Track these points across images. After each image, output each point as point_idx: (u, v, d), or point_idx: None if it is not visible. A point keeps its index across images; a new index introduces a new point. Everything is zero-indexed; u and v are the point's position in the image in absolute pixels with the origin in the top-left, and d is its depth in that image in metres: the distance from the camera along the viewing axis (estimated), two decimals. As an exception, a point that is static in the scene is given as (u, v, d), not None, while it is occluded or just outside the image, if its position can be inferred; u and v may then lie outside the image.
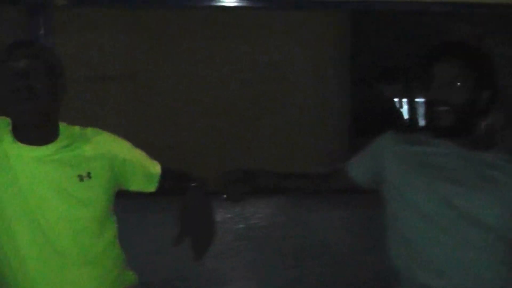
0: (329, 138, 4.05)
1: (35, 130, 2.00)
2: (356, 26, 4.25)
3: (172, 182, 2.23)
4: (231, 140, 3.94)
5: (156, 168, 2.21)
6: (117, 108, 3.91)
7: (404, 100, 5.70)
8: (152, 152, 2.24)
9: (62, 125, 2.07)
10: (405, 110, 5.70)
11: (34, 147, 2.00)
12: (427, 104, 2.07)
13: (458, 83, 2.02)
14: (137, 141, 2.21)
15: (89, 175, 2.03)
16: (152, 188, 2.21)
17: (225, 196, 2.25)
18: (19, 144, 1.99)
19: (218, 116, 3.98)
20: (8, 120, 2.03)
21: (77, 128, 2.11)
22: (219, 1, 3.14)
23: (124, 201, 2.15)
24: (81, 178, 2.01)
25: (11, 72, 1.94)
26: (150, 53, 3.94)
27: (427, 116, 2.09)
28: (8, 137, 1.99)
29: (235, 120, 4.00)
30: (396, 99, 5.66)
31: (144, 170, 2.19)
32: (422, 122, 3.92)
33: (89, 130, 2.12)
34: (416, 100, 5.57)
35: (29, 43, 2.07)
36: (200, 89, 3.97)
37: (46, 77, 1.96)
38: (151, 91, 3.95)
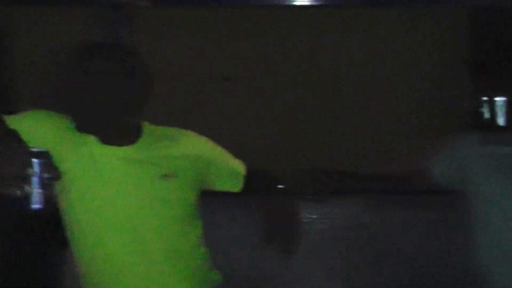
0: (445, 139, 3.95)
1: (113, 131, 2.01)
2: (476, 23, 4.14)
3: (257, 182, 2.21)
4: (334, 140, 3.90)
5: (240, 168, 2.21)
6: (222, 108, 3.96)
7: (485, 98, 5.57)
8: (248, 152, 2.25)
9: (146, 125, 2.08)
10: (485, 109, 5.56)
11: (117, 147, 2.01)
12: None
13: None
14: (238, 141, 2.22)
15: (174, 174, 2.03)
16: (237, 188, 2.20)
17: (310, 196, 2.26)
18: (103, 145, 2.01)
19: (320, 116, 3.95)
20: None
21: (161, 128, 2.11)
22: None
23: (209, 200, 2.17)
24: (165, 177, 2.02)
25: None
26: (246, 54, 3.97)
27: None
28: (92, 139, 2.01)
29: (338, 120, 3.96)
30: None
31: (229, 170, 2.19)
32: (502, 121, 3.80)
33: (175, 130, 2.13)
34: (499, 98, 5.43)
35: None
36: (303, 88, 3.96)
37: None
38: (250, 92, 3.97)
